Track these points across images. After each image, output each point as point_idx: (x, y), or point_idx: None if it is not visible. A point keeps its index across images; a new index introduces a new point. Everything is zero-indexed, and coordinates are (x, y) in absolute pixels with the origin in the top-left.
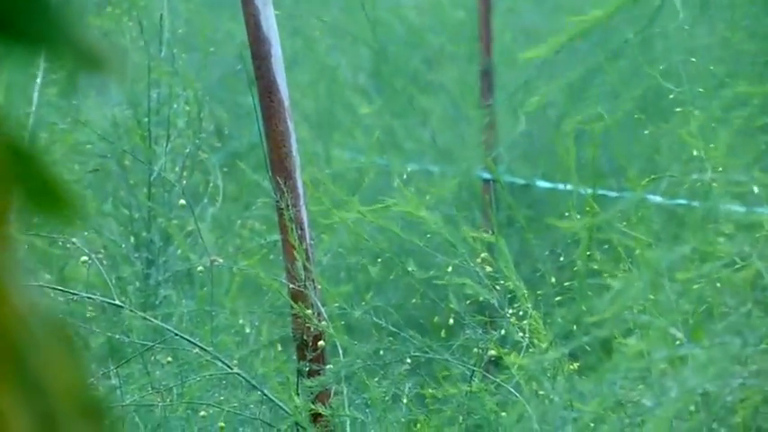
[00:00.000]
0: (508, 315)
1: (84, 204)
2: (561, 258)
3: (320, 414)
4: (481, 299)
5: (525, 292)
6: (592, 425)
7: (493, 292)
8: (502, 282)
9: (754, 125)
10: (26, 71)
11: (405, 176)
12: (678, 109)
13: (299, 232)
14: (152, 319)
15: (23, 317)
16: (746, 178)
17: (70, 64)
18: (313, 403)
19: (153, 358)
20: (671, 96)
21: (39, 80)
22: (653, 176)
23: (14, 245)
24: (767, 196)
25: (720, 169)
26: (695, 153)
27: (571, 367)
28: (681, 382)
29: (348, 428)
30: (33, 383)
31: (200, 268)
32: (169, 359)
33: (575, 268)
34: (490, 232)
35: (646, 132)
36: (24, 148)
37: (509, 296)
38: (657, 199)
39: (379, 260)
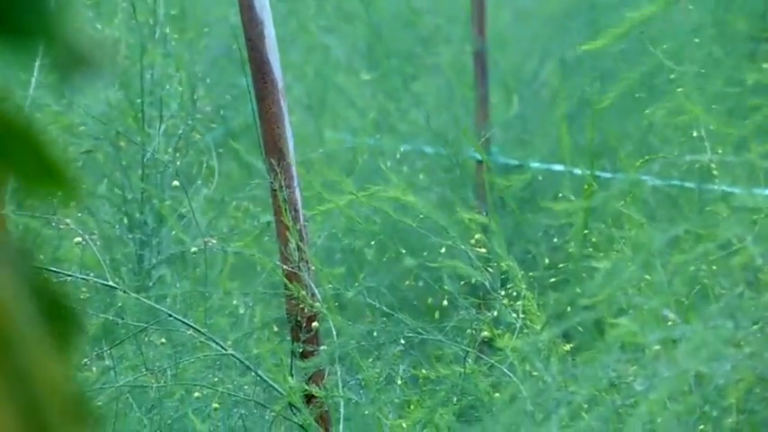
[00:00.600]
0: (501, 296)
1: (80, 183)
2: (555, 239)
3: (314, 395)
4: (473, 281)
5: (518, 273)
6: (585, 406)
7: (485, 274)
8: (494, 263)
9: (748, 105)
10: (19, 63)
11: (398, 157)
12: (672, 89)
13: (293, 213)
14: (146, 300)
15: (9, 308)
16: (742, 159)
17: (62, 60)
18: (307, 384)
19: (147, 339)
20: (671, 77)
21: (36, 62)
22: (647, 157)
23: (4, 232)
24: (762, 177)
25: (719, 151)
26: (692, 134)
27: (564, 348)
28: (674, 363)
29: (342, 409)
30: (19, 375)
31: (193, 249)
32: (163, 340)
33: (568, 249)
34: (484, 213)
35: (640, 113)
36: (21, 127)
37: (502, 277)
38: (652, 180)
39: (373, 243)
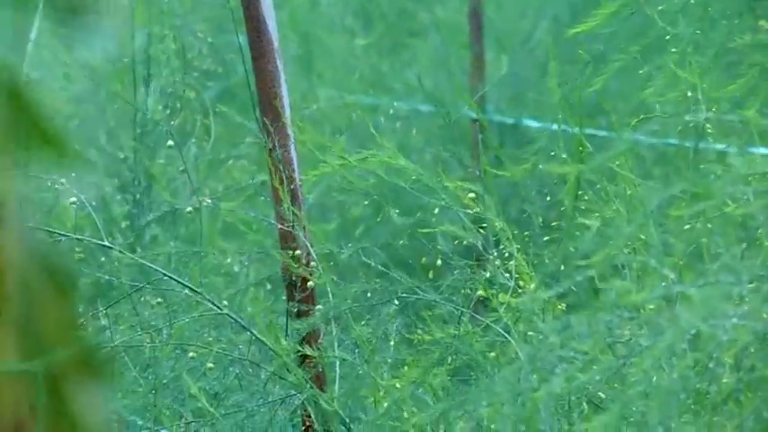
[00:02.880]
0: (493, 257)
1: (74, 145)
2: (548, 198)
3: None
4: (465, 242)
5: (510, 234)
6: (581, 365)
7: (478, 235)
8: (486, 224)
9: (747, 64)
10: (22, 11)
11: (392, 114)
12: (672, 49)
13: (288, 173)
14: (141, 260)
15: (16, 256)
16: (739, 118)
17: (64, 5)
18: (302, 343)
19: (142, 299)
20: (667, 37)
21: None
22: (643, 116)
23: (9, 187)
24: (760, 136)
25: (714, 110)
26: (689, 94)
27: (559, 307)
28: (673, 321)
29: (338, 369)
30: (25, 322)
31: (188, 209)
32: (159, 300)
33: (562, 208)
34: (478, 172)
35: (640, 72)
36: (18, 90)
37: (496, 238)
38: (648, 139)
39: (366, 203)
